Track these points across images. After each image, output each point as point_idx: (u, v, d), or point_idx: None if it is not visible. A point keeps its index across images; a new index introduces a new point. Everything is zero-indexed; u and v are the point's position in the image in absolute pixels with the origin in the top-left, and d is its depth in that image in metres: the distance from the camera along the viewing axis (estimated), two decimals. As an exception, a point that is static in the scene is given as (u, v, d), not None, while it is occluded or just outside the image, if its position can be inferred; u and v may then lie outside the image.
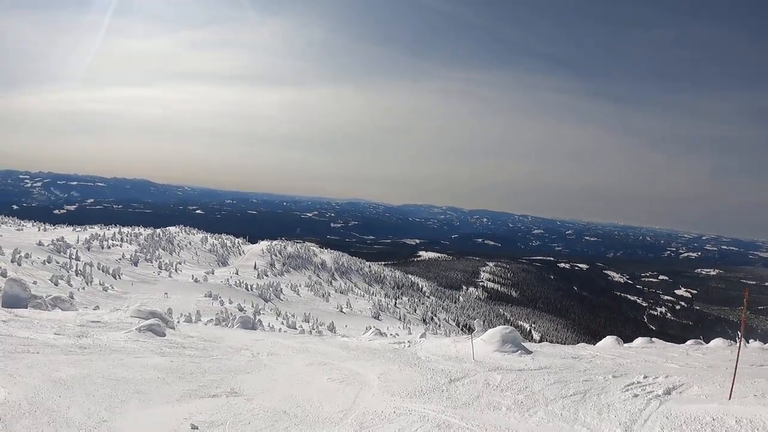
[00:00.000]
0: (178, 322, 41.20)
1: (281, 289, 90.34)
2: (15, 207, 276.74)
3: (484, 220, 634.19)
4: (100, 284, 62.73)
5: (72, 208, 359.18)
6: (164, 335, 17.63)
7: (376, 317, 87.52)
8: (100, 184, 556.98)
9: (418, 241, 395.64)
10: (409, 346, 18.67)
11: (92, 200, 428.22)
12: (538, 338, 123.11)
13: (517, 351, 16.44)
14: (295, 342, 19.49)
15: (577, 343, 25.37)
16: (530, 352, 16.72)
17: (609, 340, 22.88)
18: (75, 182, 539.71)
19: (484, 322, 78.25)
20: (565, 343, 29.81)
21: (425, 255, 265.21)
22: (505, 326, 18.55)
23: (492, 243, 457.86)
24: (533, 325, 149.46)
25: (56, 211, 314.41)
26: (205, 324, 39.69)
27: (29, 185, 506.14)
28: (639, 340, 23.58)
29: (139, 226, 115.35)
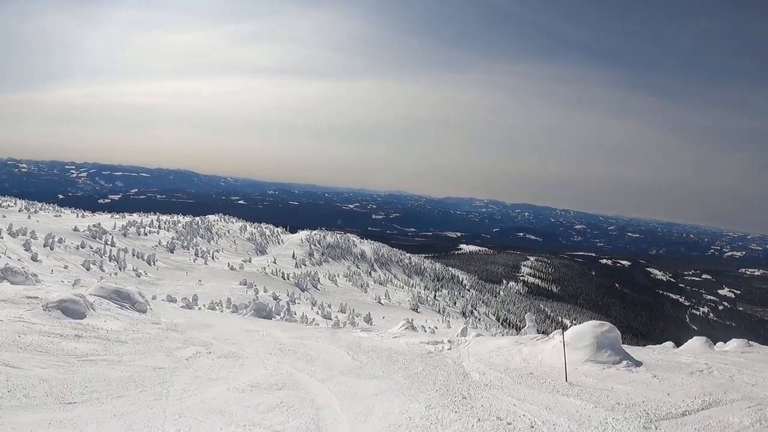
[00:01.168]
0: (201, 308, 39.68)
1: (318, 278, 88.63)
2: (61, 196, 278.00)
3: (526, 214, 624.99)
4: (133, 270, 61.56)
5: (116, 197, 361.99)
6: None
7: (415, 309, 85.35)
8: (144, 174, 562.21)
9: (459, 234, 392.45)
10: (449, 349, 15.61)
11: (136, 190, 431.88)
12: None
13: (622, 361, 12.36)
14: (291, 337, 17.92)
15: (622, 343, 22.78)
16: (640, 363, 12.58)
17: (697, 343, 19.45)
18: (119, 172, 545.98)
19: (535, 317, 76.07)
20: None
21: (466, 248, 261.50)
22: (599, 322, 14.04)
23: (533, 237, 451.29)
24: (574, 322, 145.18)
25: (101, 201, 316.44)
26: (200, 309, 38.38)
27: (75, 175, 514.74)
28: (734, 343, 19.90)
29: (179, 215, 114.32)
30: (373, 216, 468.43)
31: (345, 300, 76.32)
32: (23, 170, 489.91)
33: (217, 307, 37.66)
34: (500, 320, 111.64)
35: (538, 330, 22.51)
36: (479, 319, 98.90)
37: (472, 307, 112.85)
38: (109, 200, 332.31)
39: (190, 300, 41.44)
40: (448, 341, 16.59)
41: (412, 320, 59.19)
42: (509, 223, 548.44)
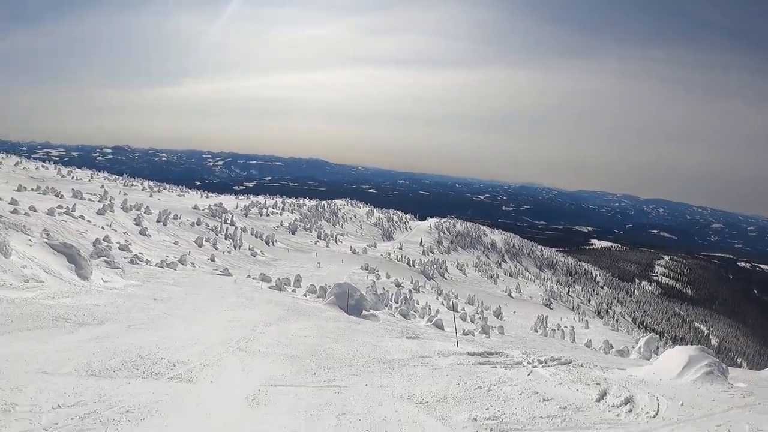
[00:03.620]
0: (294, 291, 35.37)
1: (446, 267, 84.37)
2: (198, 183, 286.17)
3: (660, 210, 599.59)
4: (249, 249, 59.01)
5: (250, 184, 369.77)
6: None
7: (548, 305, 79.75)
8: (278, 163, 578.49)
9: (590, 228, 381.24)
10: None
11: (270, 178, 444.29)
12: (716, 344, 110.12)
13: None
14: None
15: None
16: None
17: None
18: (254, 161, 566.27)
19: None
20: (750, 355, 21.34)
21: (597, 243, 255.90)
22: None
23: (667, 235, 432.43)
24: (711, 329, 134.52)
25: (235, 187, 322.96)
26: (292, 291, 34.56)
27: (211, 164, 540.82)
28: None
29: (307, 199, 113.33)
30: (504, 208, 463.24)
31: (473, 291, 71.56)
32: (163, 159, 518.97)
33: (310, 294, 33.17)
34: (637, 322, 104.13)
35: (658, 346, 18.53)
36: (617, 320, 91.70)
37: (607, 306, 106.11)
38: (244, 187, 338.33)
39: (291, 281, 37.08)
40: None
41: (546, 317, 54.01)
42: (642, 219, 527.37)
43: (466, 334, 27.25)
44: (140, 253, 37.91)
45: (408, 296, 45.98)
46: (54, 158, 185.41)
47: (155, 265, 33.55)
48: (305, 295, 31.72)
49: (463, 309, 53.11)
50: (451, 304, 52.98)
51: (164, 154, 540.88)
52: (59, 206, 46.32)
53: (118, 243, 39.65)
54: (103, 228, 44.40)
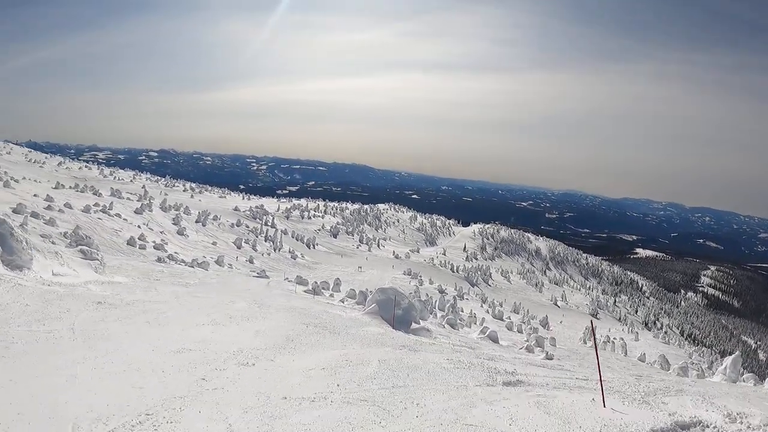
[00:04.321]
0: (332, 294, 33.57)
1: (490, 273, 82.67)
2: (242, 187, 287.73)
3: (706, 218, 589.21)
4: (289, 252, 58.15)
5: (294, 189, 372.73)
6: None
7: (594, 315, 77.50)
8: (321, 168, 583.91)
9: (635, 237, 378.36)
10: None
11: (313, 182, 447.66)
12: (764, 358, 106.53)
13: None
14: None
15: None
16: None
17: None
18: (297, 166, 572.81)
19: (718, 354, 66.42)
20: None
21: (642, 252, 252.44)
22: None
23: (713, 245, 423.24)
24: (758, 343, 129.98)
25: (279, 191, 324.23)
26: (330, 295, 30.85)
27: (255, 168, 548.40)
28: None
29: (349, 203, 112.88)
30: (547, 215, 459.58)
31: (518, 299, 69.85)
32: (207, 162, 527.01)
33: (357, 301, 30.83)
34: (684, 335, 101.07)
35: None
36: (665, 332, 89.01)
37: (654, 317, 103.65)
38: (287, 191, 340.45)
39: (330, 285, 35.31)
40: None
41: (594, 327, 51.59)
42: (688, 228, 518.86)
43: (529, 351, 24.84)
44: (175, 252, 37.06)
45: (453, 303, 44.23)
46: (101, 160, 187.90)
47: (186, 265, 32.29)
48: (342, 301, 27.97)
49: (509, 318, 51.32)
50: (496, 312, 51.31)
51: (209, 158, 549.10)
52: (96, 204, 45.81)
53: (154, 242, 38.95)
54: (139, 227, 43.60)
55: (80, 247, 23.18)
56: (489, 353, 15.90)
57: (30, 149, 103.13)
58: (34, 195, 42.88)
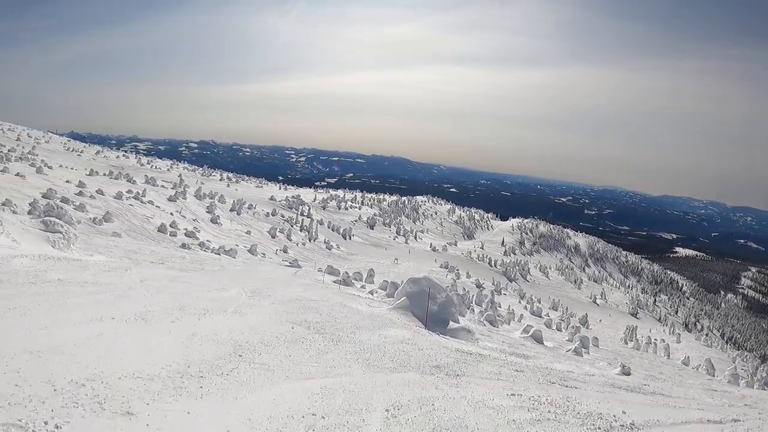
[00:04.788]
0: (363, 286, 32.33)
1: (528, 269, 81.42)
2: (280, 178, 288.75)
3: (748, 219, 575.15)
4: (324, 242, 57.79)
5: (332, 180, 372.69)
6: None
7: (634, 314, 76.43)
8: (360, 160, 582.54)
9: (674, 236, 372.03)
10: None
11: (351, 175, 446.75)
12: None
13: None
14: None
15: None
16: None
17: None
18: (336, 158, 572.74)
19: (758, 359, 64.41)
20: None
21: (681, 251, 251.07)
22: None
23: (755, 246, 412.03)
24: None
25: (317, 183, 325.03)
26: (364, 287, 28.80)
27: (294, 160, 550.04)
28: None
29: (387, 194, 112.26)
30: (586, 211, 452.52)
31: (556, 295, 68.82)
32: (246, 154, 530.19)
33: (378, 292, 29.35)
34: (725, 338, 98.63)
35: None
36: (706, 335, 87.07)
37: (695, 318, 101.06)
38: (325, 183, 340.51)
39: (363, 276, 34.08)
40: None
41: (636, 328, 50.60)
42: (729, 228, 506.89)
43: (577, 354, 22.86)
44: (207, 240, 36.72)
45: (491, 299, 42.99)
46: (141, 151, 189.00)
47: (212, 252, 31.79)
48: (372, 293, 24.99)
49: (548, 314, 50.11)
50: (535, 308, 50.18)
51: (248, 149, 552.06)
52: (129, 191, 45.75)
53: (186, 229, 38.74)
54: (171, 214, 43.34)
55: (46, 218, 19.72)
56: (558, 370, 12.66)
57: (69, 139, 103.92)
58: (67, 181, 42.90)
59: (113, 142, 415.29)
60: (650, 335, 54.16)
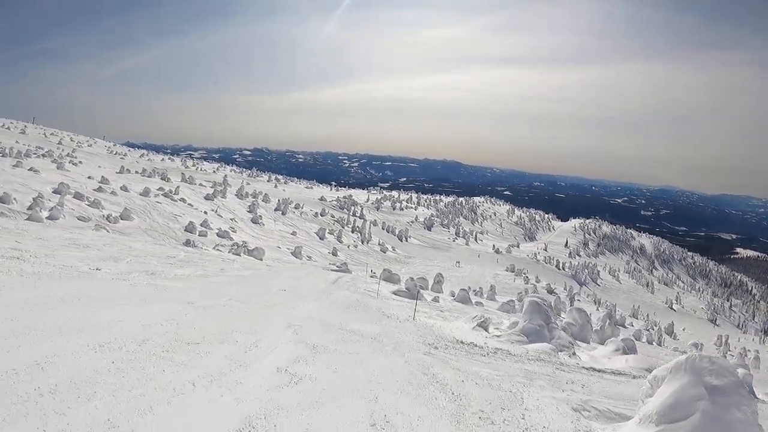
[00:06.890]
0: (436, 299, 26.37)
1: (597, 271, 76.87)
2: (333, 183, 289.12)
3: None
4: (379, 244, 53.99)
5: (385, 185, 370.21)
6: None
7: (713, 321, 72.23)
8: (412, 164, 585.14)
9: (734, 236, 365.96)
10: None
11: (404, 179, 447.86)
12: None
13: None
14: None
15: None
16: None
17: None
18: (389, 162, 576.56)
19: None
20: None
21: (742, 252, 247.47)
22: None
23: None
24: None
25: (370, 188, 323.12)
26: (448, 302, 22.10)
27: (347, 165, 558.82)
28: None
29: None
30: (642, 212, 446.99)
31: (632, 301, 65.27)
32: (299, 160, 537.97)
33: (474, 297, 23.60)
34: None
35: None
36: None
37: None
38: (379, 187, 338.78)
39: (429, 283, 28.44)
40: None
41: (727, 337, 45.25)
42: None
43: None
44: (243, 241, 32.17)
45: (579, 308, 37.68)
46: (196, 159, 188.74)
47: (228, 251, 27.26)
48: (450, 310, 17.45)
49: (631, 324, 45.13)
50: (618, 317, 45.15)
51: (301, 156, 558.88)
52: (160, 188, 42.66)
53: (219, 229, 35.27)
54: (205, 213, 40.02)
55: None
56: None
57: (116, 144, 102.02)
58: (88, 177, 39.57)
59: (168, 151, 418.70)
60: (743, 345, 48.90)
